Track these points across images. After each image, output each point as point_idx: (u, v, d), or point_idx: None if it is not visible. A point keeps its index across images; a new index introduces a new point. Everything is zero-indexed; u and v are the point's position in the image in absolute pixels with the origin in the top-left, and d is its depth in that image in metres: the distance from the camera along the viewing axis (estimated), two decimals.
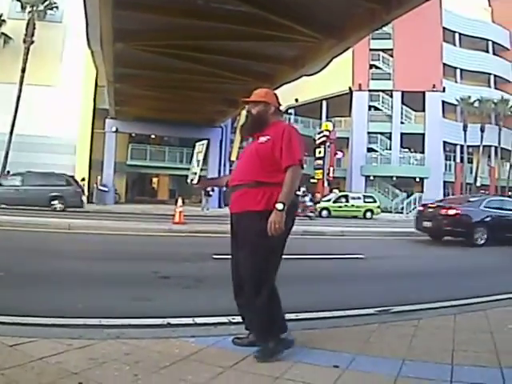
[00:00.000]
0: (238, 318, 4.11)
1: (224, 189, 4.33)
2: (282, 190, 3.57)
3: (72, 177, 24.92)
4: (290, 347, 3.82)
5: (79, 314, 4.83)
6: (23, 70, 33.05)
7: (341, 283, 7.88)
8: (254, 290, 3.65)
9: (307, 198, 33.88)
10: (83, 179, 34.65)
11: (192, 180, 4.74)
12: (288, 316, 4.94)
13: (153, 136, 40.62)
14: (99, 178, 34.19)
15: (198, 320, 4.83)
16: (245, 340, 3.90)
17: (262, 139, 3.79)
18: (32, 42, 33.67)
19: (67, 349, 3.65)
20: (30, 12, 33.98)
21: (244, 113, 4.30)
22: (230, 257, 3.95)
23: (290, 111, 48.48)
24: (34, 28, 33.88)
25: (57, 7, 35.06)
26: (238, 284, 3.82)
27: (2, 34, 34.52)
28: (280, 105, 4.05)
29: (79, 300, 5.62)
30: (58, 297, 5.83)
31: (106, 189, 33.89)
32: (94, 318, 4.75)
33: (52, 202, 23.09)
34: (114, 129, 34.74)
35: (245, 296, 3.78)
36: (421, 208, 17.15)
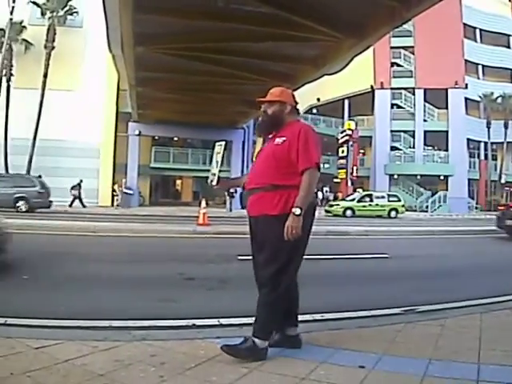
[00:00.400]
0: None
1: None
2: (299, 193, 3.53)
3: (39, 177, 25.08)
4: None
5: (104, 316, 4.86)
6: (45, 76, 33.41)
7: (366, 283, 7.82)
8: (271, 287, 3.64)
9: (331, 197, 34.18)
10: (115, 183, 35.00)
11: (212, 181, 4.76)
12: (313, 316, 4.97)
13: (175, 138, 40.83)
14: (124, 180, 34.41)
15: (223, 321, 4.84)
16: (270, 340, 3.82)
17: (278, 141, 3.76)
18: (53, 48, 34.04)
19: (92, 351, 3.68)
20: (50, 18, 34.29)
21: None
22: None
23: (313, 111, 48.31)
24: (55, 33, 34.24)
25: (77, 12, 35.34)
26: None
27: (23, 40, 34.86)
28: (297, 103, 4.00)
29: (105, 302, 5.67)
30: (83, 299, 5.88)
31: (131, 191, 34.12)
32: (119, 319, 4.79)
33: (17, 204, 23.31)
34: (137, 132, 35.09)
35: (260, 291, 3.78)
36: (502, 207, 18.09)
